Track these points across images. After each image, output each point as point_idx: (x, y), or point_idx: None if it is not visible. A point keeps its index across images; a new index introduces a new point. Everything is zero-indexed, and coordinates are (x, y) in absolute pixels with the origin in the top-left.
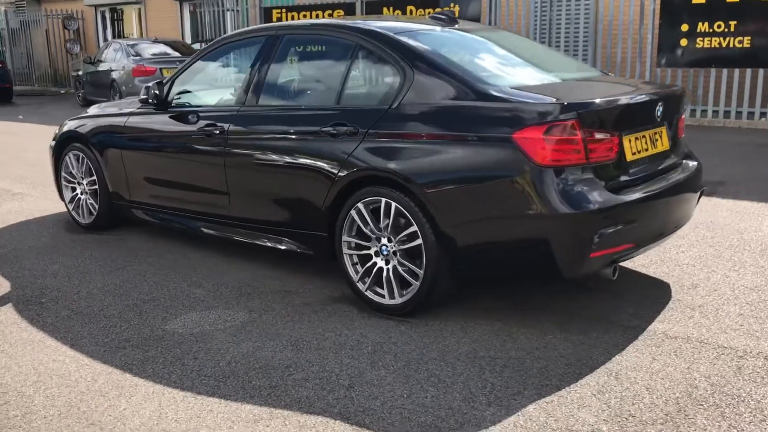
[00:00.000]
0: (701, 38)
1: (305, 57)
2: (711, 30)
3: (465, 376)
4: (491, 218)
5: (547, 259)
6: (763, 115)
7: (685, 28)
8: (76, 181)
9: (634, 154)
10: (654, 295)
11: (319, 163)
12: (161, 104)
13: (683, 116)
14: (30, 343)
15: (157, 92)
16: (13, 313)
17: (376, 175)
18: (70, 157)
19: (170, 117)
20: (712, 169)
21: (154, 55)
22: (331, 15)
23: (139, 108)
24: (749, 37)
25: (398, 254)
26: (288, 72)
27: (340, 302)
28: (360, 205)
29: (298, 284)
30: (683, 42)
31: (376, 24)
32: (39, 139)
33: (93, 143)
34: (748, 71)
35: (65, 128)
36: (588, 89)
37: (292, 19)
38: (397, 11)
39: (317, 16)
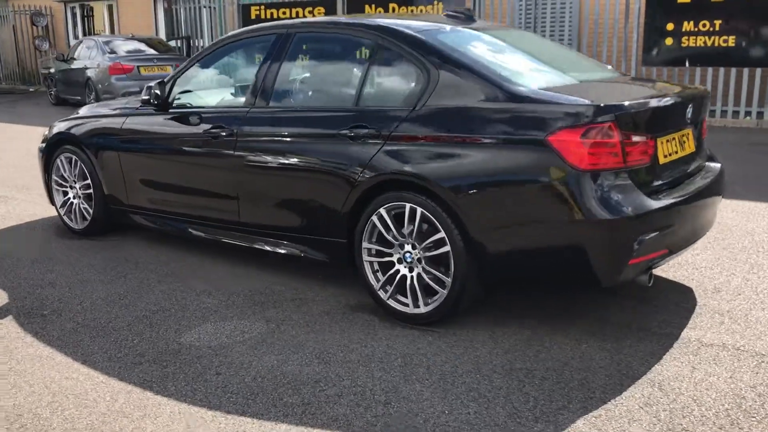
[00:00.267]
0: (686, 37)
1: (319, 56)
2: (696, 29)
3: (505, 390)
4: (525, 224)
5: (583, 266)
6: (748, 113)
7: (670, 26)
8: (68, 184)
9: (666, 156)
10: (679, 300)
11: (338, 167)
12: (162, 105)
13: (706, 117)
14: (38, 359)
15: (158, 92)
16: (15, 326)
17: (400, 180)
18: (61, 160)
19: (172, 118)
20: None
21: (130, 52)
22: (311, 12)
23: (138, 109)
24: (734, 36)
25: (423, 261)
26: (301, 72)
27: (359, 311)
28: (382, 210)
29: (311, 292)
30: (668, 41)
31: (395, 22)
32: (14, 139)
33: (87, 145)
34: (733, 70)
35: (55, 130)
36: (618, 90)
37: (272, 16)
38: (379, 9)
39: (297, 14)
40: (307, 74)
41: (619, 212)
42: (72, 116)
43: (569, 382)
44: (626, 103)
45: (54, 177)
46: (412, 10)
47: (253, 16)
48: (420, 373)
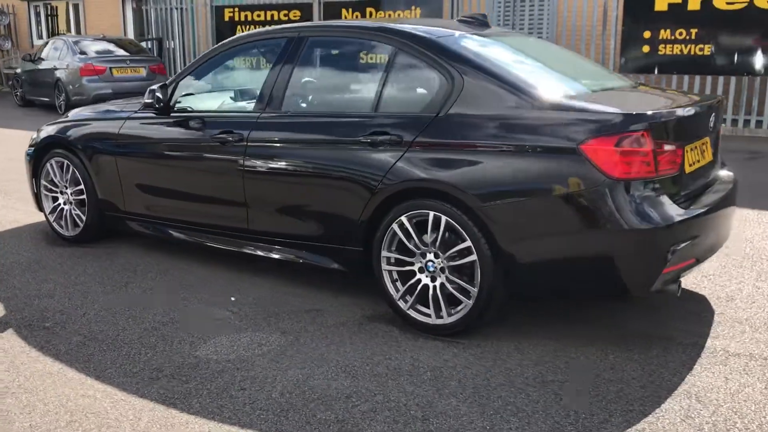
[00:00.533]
0: (663, 45)
1: (334, 61)
2: (673, 37)
3: (543, 404)
4: (555, 233)
5: (614, 276)
6: (723, 120)
7: (647, 34)
8: (58, 190)
9: (690, 165)
10: (695, 308)
11: (356, 174)
12: (164, 109)
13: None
14: (48, 376)
15: (160, 96)
16: (18, 339)
17: (423, 187)
18: (52, 165)
19: (174, 122)
20: None
21: (101, 53)
22: (287, 15)
23: (137, 112)
24: (710, 45)
25: (447, 270)
26: (315, 76)
27: (376, 321)
28: (403, 218)
29: (322, 301)
30: (645, 48)
31: (415, 27)
32: None
33: (81, 150)
34: (709, 78)
35: (44, 133)
36: (643, 99)
37: (246, 18)
38: (356, 13)
39: (272, 17)
40: (322, 79)
41: (654, 221)
42: (61, 120)
43: (606, 395)
44: (657, 111)
45: (43, 182)
46: (389, 14)
47: (226, 18)
48: (452, 387)
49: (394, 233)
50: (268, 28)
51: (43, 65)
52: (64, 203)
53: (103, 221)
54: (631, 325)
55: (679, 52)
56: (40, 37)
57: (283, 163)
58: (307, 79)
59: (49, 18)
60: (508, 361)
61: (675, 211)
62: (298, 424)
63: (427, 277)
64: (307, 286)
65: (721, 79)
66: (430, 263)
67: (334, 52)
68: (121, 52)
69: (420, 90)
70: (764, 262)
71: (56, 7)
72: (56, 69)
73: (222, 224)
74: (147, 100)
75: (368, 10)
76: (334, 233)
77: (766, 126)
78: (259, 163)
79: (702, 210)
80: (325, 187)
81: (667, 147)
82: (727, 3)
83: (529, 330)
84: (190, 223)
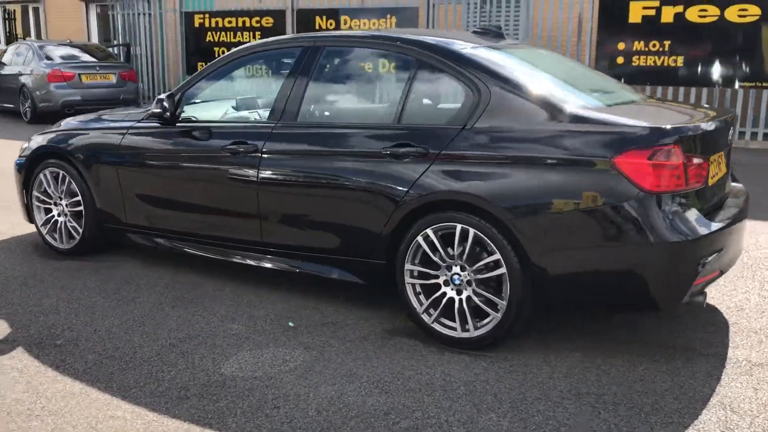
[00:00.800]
0: (637, 56)
1: (352, 71)
2: (647, 49)
3: (583, 418)
4: (587, 246)
5: (646, 288)
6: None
7: (621, 46)
8: (52, 201)
9: (712, 178)
10: (709, 318)
11: (379, 187)
12: (170, 119)
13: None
14: (71, 396)
15: (167, 105)
16: (30, 358)
17: (451, 200)
18: (45, 175)
19: (181, 133)
20: None
21: (69, 58)
22: (259, 22)
23: (140, 121)
24: (682, 57)
25: (473, 283)
26: (332, 87)
27: (398, 335)
28: (429, 230)
29: (339, 315)
30: (620, 60)
31: (438, 39)
32: None
33: (79, 160)
34: (681, 89)
35: (36, 143)
36: (666, 113)
37: (216, 25)
38: (330, 21)
39: (244, 23)
40: (339, 90)
41: (687, 234)
42: (54, 129)
43: (642, 407)
44: (686, 125)
45: (35, 193)
46: (364, 23)
47: (196, 24)
48: (489, 402)
49: (419, 246)
50: (279, 37)
51: (5, 71)
52: (58, 215)
53: (100, 233)
54: (651, 336)
55: (652, 64)
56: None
57: (301, 175)
58: (324, 89)
59: (6, 22)
60: (539, 374)
61: (704, 224)
62: None
63: (452, 290)
64: (319, 299)
65: (693, 90)
66: (456, 276)
67: (352, 62)
68: (89, 57)
69: (445, 102)
70: (764, 271)
71: (13, 10)
72: (21, 75)
73: (233, 236)
74: (155, 110)
75: (342, 18)
76: (354, 246)
77: (746, 136)
78: (274, 174)
79: (726, 222)
80: (346, 200)
81: (695, 160)
82: (699, 16)
83: (552, 341)
84: (198, 236)
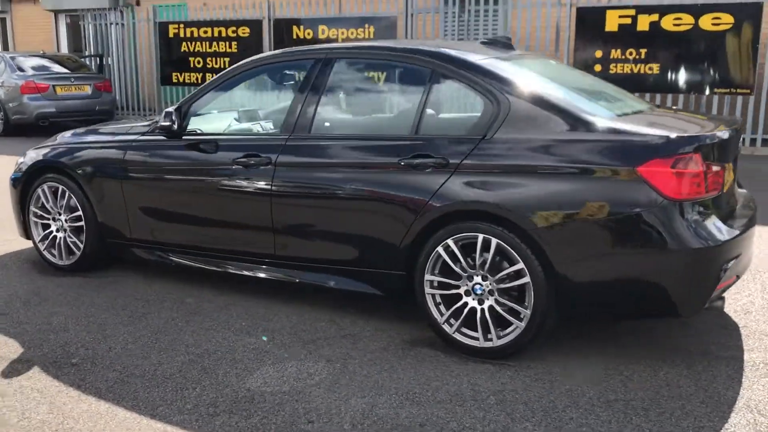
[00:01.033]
0: (614, 64)
1: (365, 83)
2: (623, 57)
3: (616, 424)
4: (611, 254)
5: (669, 295)
6: None
7: (599, 54)
8: (50, 216)
9: (725, 185)
10: (718, 322)
11: (398, 198)
12: (177, 132)
13: None
14: (99, 417)
15: (175, 118)
16: (49, 378)
17: (473, 210)
18: (44, 190)
19: (188, 146)
20: None
21: (42, 70)
22: (235, 32)
23: (144, 135)
24: (658, 64)
25: (496, 293)
26: (346, 98)
27: (418, 346)
28: (449, 241)
29: (355, 326)
30: (597, 68)
31: (456, 51)
32: None
33: (80, 175)
34: (658, 96)
35: (33, 158)
36: (681, 122)
37: (191, 35)
38: (308, 31)
39: (220, 33)
40: (355, 101)
41: (710, 240)
42: (50, 143)
43: (672, 412)
44: (705, 134)
45: (33, 209)
46: (342, 32)
47: (171, 34)
48: (522, 411)
49: (439, 256)
50: (288, 49)
51: None
52: (57, 230)
53: (102, 248)
54: (666, 341)
55: (629, 71)
56: None
57: (316, 187)
58: (338, 101)
59: None
60: (565, 382)
61: (724, 230)
62: None
63: (474, 300)
64: (332, 311)
65: (669, 96)
66: (477, 286)
67: (366, 73)
68: (62, 69)
69: (463, 112)
70: (763, 274)
71: None
72: None
73: (245, 250)
74: (164, 123)
75: (320, 27)
76: (372, 257)
77: None
78: (289, 186)
79: (743, 228)
80: (363, 211)
81: (714, 168)
82: (674, 24)
83: (569, 349)
84: (207, 249)
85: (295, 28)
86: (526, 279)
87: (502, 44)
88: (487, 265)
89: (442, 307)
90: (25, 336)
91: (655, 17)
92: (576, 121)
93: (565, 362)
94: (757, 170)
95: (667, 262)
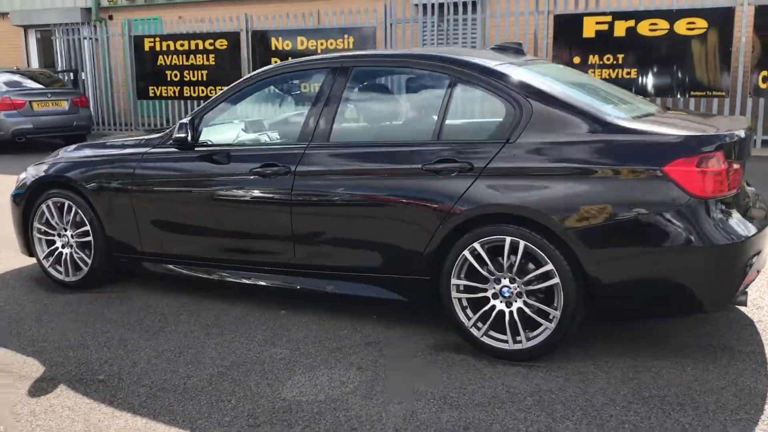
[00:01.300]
0: (592, 70)
1: (385, 90)
2: (601, 62)
3: (656, 419)
4: (639, 253)
5: (696, 291)
6: None
7: (577, 60)
8: (55, 232)
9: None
10: (732, 317)
11: (422, 203)
12: (189, 144)
13: None
14: None
15: (190, 130)
16: (78, 396)
17: (500, 213)
18: (49, 206)
19: (201, 157)
20: None
21: (16, 86)
22: (212, 44)
23: (155, 147)
24: (635, 69)
25: (524, 295)
26: (366, 106)
27: (444, 350)
28: (476, 244)
29: (379, 334)
30: None
31: (471, 57)
32: None
33: (88, 189)
34: None
35: (37, 173)
36: (696, 122)
37: (168, 48)
38: (287, 42)
39: (197, 46)
40: (374, 109)
41: (736, 236)
42: (52, 159)
43: (707, 406)
44: (725, 133)
45: (37, 225)
46: (322, 43)
47: (146, 48)
48: (561, 411)
49: (465, 260)
50: (300, 59)
51: None
52: (63, 246)
53: (110, 264)
54: (685, 337)
55: (607, 76)
56: None
57: (337, 194)
58: (356, 109)
59: None
60: (597, 380)
61: (747, 226)
62: None
63: (501, 302)
64: (353, 319)
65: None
66: (505, 289)
67: (384, 81)
68: (37, 84)
69: (485, 117)
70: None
71: None
72: None
73: (263, 260)
74: (179, 135)
75: (299, 38)
76: (396, 263)
77: None
78: (310, 195)
79: (762, 224)
80: (387, 218)
81: (734, 165)
82: (650, 29)
83: (595, 348)
84: (224, 261)
85: (273, 39)
86: (555, 280)
87: (513, 50)
88: (515, 268)
89: (468, 311)
90: (44, 354)
91: (631, 23)
92: (598, 123)
93: (594, 361)
94: None
95: (696, 259)
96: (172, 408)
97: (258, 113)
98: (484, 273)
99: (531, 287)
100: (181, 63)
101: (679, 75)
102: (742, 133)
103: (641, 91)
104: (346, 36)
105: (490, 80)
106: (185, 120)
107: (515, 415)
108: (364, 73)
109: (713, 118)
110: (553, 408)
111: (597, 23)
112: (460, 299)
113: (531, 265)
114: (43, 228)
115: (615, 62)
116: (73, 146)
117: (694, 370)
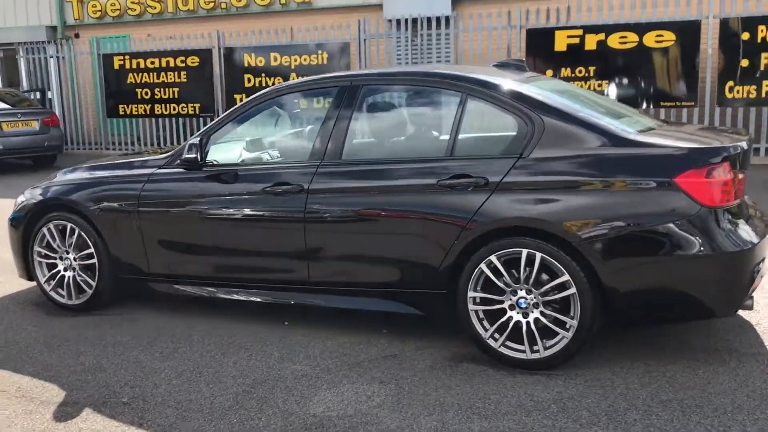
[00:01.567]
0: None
1: (395, 108)
2: (573, 74)
3: (679, 422)
4: (653, 262)
5: (706, 298)
6: None
7: (549, 73)
8: (57, 255)
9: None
10: (732, 320)
11: (437, 218)
12: (199, 164)
13: None
14: None
15: (197, 150)
16: (105, 419)
17: (516, 226)
18: (50, 229)
19: (209, 177)
20: None
21: None
22: (184, 62)
23: (161, 168)
24: (606, 81)
25: (541, 305)
26: (377, 124)
27: (463, 362)
28: (492, 257)
29: (395, 347)
30: None
31: (481, 75)
32: None
33: (91, 211)
34: None
35: (36, 197)
36: (699, 135)
37: (138, 66)
38: (260, 58)
39: (168, 63)
40: (385, 126)
41: (744, 243)
42: (52, 182)
43: (725, 407)
44: (730, 145)
45: (37, 248)
46: (295, 59)
47: (116, 66)
48: (586, 416)
49: (482, 273)
50: (307, 78)
51: None
52: (65, 269)
53: (115, 286)
54: (692, 341)
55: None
56: None
57: (352, 212)
58: (367, 126)
59: None
60: (615, 386)
61: (753, 234)
62: None
63: (518, 313)
64: (366, 333)
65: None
66: (522, 300)
67: (395, 99)
68: (5, 104)
69: (497, 133)
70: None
71: None
72: None
73: (277, 278)
74: (188, 155)
75: (272, 54)
76: (412, 278)
77: None
78: (324, 212)
79: (765, 231)
80: (403, 234)
81: (739, 176)
82: (620, 42)
83: (609, 354)
84: (236, 279)
85: (246, 56)
86: (572, 290)
87: (515, 66)
88: (532, 279)
89: (485, 323)
90: (61, 378)
91: (601, 36)
92: (607, 137)
93: (609, 367)
94: None
95: (707, 267)
96: (204, 428)
97: (267, 132)
98: (501, 285)
99: (548, 298)
100: (151, 81)
101: (649, 86)
102: (744, 145)
103: None
104: (320, 52)
105: (501, 97)
106: (194, 140)
107: (543, 423)
108: (376, 92)
109: (713, 130)
110: (578, 414)
111: (568, 37)
112: (476, 311)
113: (546, 276)
114: (44, 251)
115: (587, 74)
116: (70, 168)
117: (706, 372)
